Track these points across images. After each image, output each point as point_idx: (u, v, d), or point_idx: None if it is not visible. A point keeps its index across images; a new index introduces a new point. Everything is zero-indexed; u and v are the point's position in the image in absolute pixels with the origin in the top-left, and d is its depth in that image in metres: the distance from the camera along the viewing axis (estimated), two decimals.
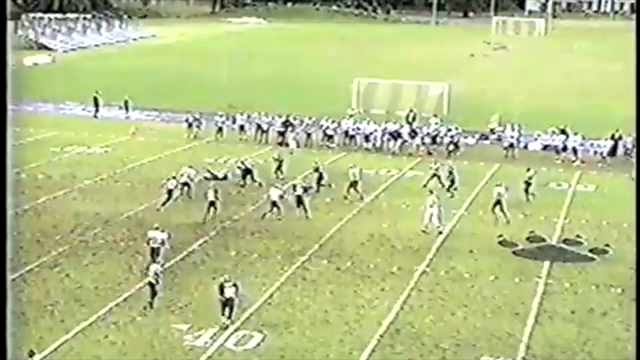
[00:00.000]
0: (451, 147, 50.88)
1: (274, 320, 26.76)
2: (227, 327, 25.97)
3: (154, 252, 31.03)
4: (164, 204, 37.85)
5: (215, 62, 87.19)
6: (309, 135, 52.52)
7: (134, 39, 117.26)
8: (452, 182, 41.26)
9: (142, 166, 45.86)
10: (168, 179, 38.81)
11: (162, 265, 29.99)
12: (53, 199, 38.96)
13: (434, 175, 42.00)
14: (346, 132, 53.17)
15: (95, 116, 61.09)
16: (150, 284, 27.69)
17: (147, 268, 28.29)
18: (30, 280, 29.36)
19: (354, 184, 40.50)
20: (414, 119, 56.84)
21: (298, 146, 50.50)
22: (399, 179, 44.91)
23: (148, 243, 31.33)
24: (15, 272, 29.48)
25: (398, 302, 28.55)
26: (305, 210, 37.33)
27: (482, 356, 24.81)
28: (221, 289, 26.48)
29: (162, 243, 31.35)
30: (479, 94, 68.60)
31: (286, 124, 53.10)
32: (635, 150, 49.57)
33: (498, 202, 37.53)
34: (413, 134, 52.10)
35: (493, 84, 76.61)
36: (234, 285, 26.48)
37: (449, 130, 52.36)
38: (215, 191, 36.90)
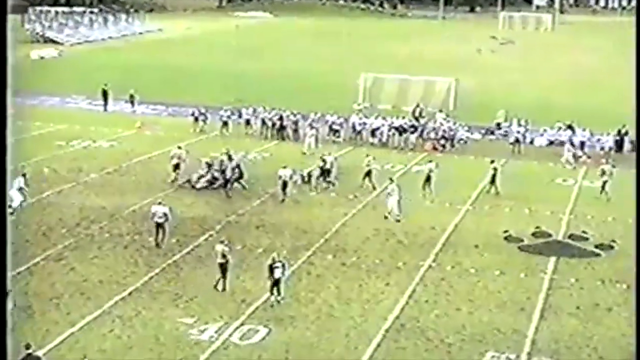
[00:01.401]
0: (443, 141, 51.02)
1: (279, 315, 26.75)
2: (279, 302, 27.26)
3: (159, 227, 32.14)
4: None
5: (221, 56, 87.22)
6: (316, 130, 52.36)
7: (140, 33, 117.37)
8: (427, 180, 40.87)
9: (148, 160, 45.87)
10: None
11: (160, 244, 31.93)
12: (58, 192, 38.99)
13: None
14: (353, 127, 53.09)
15: (105, 109, 61.11)
16: (220, 265, 28.46)
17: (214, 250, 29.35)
18: (36, 273, 29.39)
19: (368, 174, 40.95)
20: (420, 114, 56.81)
21: (317, 142, 50.06)
22: (405, 174, 44.85)
23: (152, 218, 32.46)
24: (21, 266, 29.52)
25: (403, 297, 28.54)
26: (285, 195, 38.84)
27: (488, 351, 24.78)
28: (270, 269, 27.27)
29: (166, 217, 32.23)
30: (486, 89, 68.52)
31: (281, 119, 53.10)
32: None
33: (428, 178, 39.84)
34: (412, 129, 51.90)
35: (500, 79, 76.53)
36: (282, 265, 27.53)
37: (442, 124, 52.46)
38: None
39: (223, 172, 40.40)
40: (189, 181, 40.49)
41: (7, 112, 24.65)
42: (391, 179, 37.93)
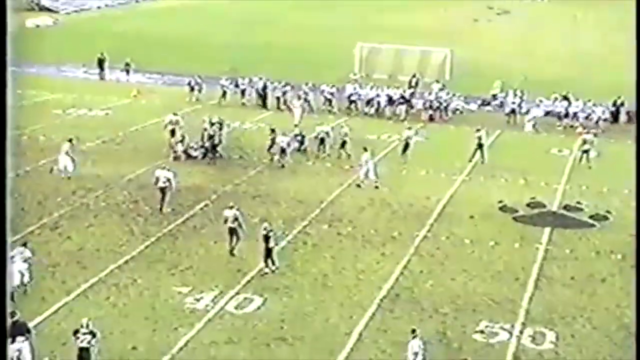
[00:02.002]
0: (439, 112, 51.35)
1: (275, 284, 26.85)
2: (273, 272, 27.58)
3: (163, 192, 32.77)
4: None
5: (218, 25, 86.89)
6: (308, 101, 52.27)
7: (137, 1, 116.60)
8: (406, 147, 41.84)
9: (144, 129, 45.81)
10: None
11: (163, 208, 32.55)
12: (54, 161, 38.95)
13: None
14: (349, 97, 52.95)
15: (101, 78, 60.92)
16: (231, 230, 29.02)
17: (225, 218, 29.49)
18: (31, 242, 29.37)
19: (343, 144, 41.42)
20: (416, 84, 56.73)
21: (303, 113, 50.07)
22: (400, 145, 44.78)
23: (156, 183, 33.02)
24: (16, 234, 29.53)
25: (398, 267, 28.65)
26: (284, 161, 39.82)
27: (482, 321, 24.91)
28: (266, 238, 27.53)
29: (169, 182, 32.79)
30: (482, 59, 68.33)
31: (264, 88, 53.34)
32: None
33: (406, 146, 41.47)
34: (402, 100, 51.77)
35: (496, 49, 76.28)
36: (275, 234, 28.11)
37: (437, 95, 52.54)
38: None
39: (211, 138, 40.63)
40: (185, 152, 40.43)
41: (7, 111, 24.63)
42: (365, 148, 37.87)
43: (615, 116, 51.58)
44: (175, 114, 43.27)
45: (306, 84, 52.84)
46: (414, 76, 58.03)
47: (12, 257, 24.91)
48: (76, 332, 21.40)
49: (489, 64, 65.90)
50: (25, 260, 25.74)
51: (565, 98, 52.28)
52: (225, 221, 29.27)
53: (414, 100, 52.33)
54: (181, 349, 22.96)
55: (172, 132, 41.99)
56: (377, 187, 36.38)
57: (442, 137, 46.16)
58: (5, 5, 28.76)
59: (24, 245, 26.57)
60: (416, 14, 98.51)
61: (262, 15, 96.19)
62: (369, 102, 52.36)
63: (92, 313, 24.37)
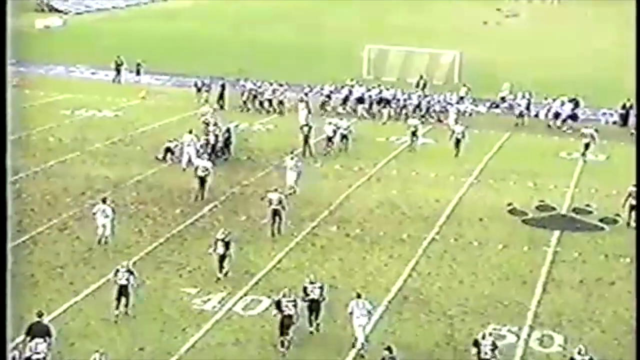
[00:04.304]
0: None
1: (283, 286, 26.68)
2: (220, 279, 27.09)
3: (202, 180, 34.75)
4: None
5: (226, 26, 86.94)
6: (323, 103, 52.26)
7: (145, 3, 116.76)
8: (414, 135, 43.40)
9: (153, 130, 45.83)
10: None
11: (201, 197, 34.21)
12: (63, 161, 39.01)
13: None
14: (359, 99, 52.76)
15: (118, 81, 60.53)
16: (275, 212, 30.84)
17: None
18: (40, 242, 29.47)
19: (329, 139, 42.25)
20: (424, 86, 56.69)
21: (309, 112, 50.07)
22: (410, 146, 44.78)
23: (195, 171, 35.25)
24: (25, 234, 29.62)
25: (406, 269, 28.62)
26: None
27: (490, 324, 24.78)
28: (225, 244, 27.22)
29: (207, 171, 35.00)
30: (491, 62, 68.25)
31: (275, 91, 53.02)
32: None
33: (414, 133, 43.77)
34: (385, 102, 51.57)
35: (505, 52, 76.19)
36: (227, 242, 27.29)
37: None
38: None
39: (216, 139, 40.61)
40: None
41: (6, 112, 24.63)
42: (291, 152, 37.46)
43: (624, 119, 51.44)
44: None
45: (309, 86, 52.74)
46: (421, 78, 58.02)
47: (94, 213, 29.66)
48: (117, 271, 24.23)
49: (497, 66, 65.81)
50: (106, 216, 29.36)
51: (574, 100, 52.14)
52: (270, 203, 30.92)
53: (423, 103, 52.06)
54: (189, 349, 22.96)
55: (207, 125, 41.61)
56: (292, 193, 35.16)
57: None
58: (5, 5, 28.80)
59: (104, 201, 30.07)
60: (425, 16, 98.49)
61: (270, 15, 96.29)
62: (379, 103, 52.21)
63: (100, 314, 24.48)
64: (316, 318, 24.06)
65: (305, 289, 24.07)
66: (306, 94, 51.10)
